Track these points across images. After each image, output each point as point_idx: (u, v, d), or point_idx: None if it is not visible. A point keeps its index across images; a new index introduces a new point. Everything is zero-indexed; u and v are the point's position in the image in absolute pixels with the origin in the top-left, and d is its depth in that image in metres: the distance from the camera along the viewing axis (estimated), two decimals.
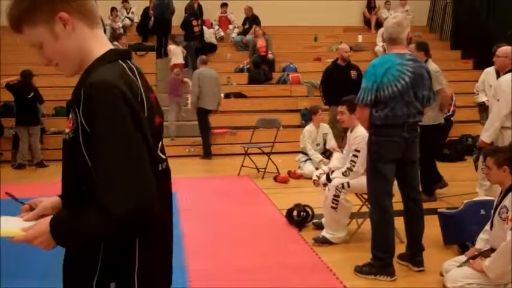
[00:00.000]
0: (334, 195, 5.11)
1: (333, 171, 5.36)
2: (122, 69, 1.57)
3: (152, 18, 14.01)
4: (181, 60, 12.81)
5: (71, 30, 1.55)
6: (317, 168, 7.32)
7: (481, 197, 6.55)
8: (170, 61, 12.81)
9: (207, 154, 10.41)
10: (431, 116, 6.17)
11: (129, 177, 1.45)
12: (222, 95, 11.33)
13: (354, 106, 4.65)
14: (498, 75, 6.63)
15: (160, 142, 1.69)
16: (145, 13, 14.36)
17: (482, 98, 6.94)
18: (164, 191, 1.69)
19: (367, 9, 15.78)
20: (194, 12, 14.07)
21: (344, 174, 5.18)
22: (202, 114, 10.25)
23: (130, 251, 1.58)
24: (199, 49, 13.14)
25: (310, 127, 8.66)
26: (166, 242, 1.73)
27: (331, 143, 8.13)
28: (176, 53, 12.78)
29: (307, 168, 8.41)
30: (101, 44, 1.61)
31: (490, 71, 6.92)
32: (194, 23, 13.62)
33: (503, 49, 5.89)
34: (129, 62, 1.64)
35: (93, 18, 1.58)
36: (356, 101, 4.29)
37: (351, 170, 5.12)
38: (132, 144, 1.48)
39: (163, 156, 1.69)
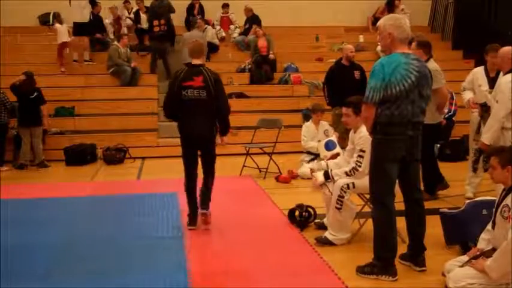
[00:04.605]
0: (339, 196, 5.06)
1: (331, 170, 5.33)
2: (181, 69, 5.73)
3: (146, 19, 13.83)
4: (66, 38, 12.48)
5: None
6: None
7: (469, 194, 6.59)
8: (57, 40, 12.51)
9: None
10: (430, 115, 6.16)
11: (164, 102, 5.88)
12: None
13: (359, 108, 4.63)
14: (487, 75, 6.60)
15: (187, 90, 5.49)
16: (136, 15, 14.21)
17: (468, 95, 6.81)
18: (187, 107, 5.54)
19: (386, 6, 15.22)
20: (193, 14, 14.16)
21: (348, 173, 5.14)
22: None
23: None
24: None
25: (309, 123, 8.80)
26: (187, 123, 5.68)
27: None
28: (62, 32, 12.46)
29: (301, 169, 8.49)
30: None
31: (478, 70, 6.84)
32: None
33: (504, 50, 5.83)
34: (187, 67, 5.68)
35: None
36: (364, 99, 4.26)
37: (357, 170, 5.07)
38: (169, 91, 5.78)
39: (188, 93, 5.49)
